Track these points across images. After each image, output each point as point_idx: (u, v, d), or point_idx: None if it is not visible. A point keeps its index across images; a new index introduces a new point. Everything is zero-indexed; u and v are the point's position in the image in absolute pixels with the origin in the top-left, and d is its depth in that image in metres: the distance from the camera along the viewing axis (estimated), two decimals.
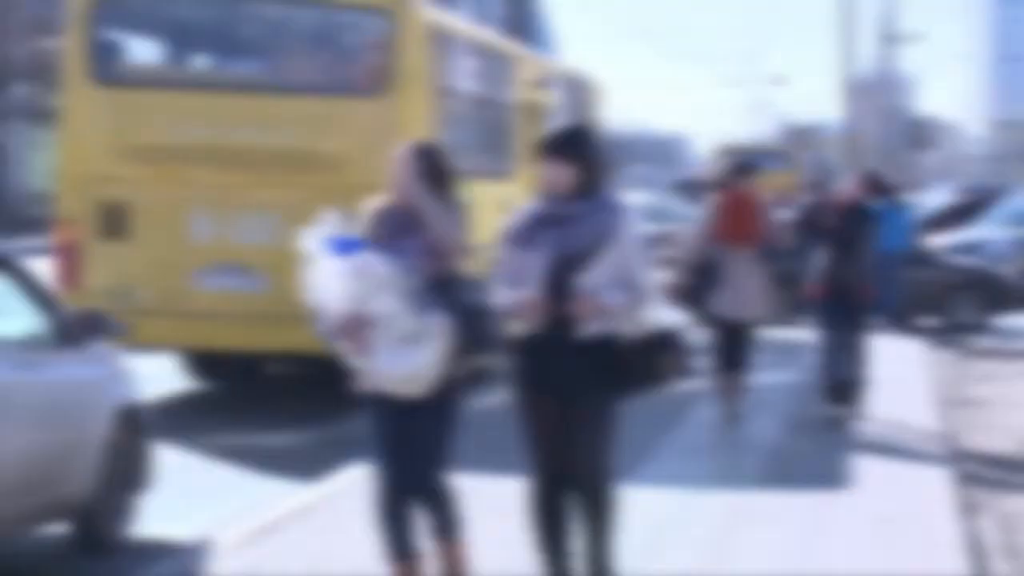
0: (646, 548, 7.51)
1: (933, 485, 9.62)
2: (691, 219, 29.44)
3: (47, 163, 46.57)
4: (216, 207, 12.08)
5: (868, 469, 10.04)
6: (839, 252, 11.68)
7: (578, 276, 6.15)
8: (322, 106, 12.38)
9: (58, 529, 7.76)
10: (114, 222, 12.24)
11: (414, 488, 6.35)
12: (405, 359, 6.18)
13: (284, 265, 8.96)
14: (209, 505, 8.97)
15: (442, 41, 13.24)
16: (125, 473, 7.94)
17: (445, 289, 6.28)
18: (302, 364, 13.30)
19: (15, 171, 45.78)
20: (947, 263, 20.79)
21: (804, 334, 13.64)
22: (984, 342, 18.76)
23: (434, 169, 6.45)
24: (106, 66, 12.64)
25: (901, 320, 19.22)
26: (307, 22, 13.05)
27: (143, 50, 13.68)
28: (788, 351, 15.29)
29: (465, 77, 14.15)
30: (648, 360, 6.24)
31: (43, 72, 40.71)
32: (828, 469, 10.12)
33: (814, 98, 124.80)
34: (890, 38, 60.73)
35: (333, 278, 6.22)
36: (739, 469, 10.09)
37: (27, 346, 7.39)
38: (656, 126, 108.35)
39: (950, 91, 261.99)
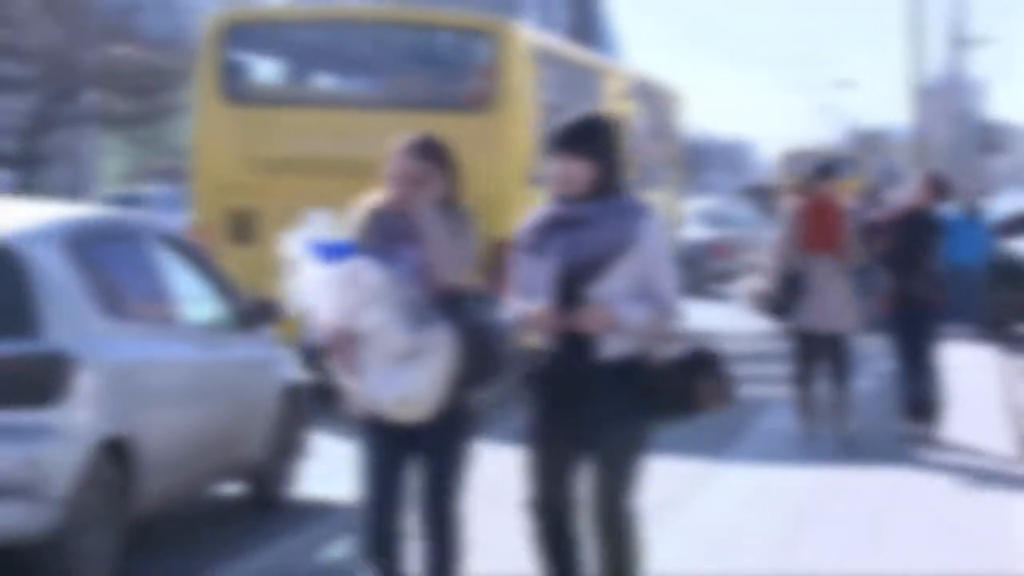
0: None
1: (1010, 492, 9.76)
2: (755, 224, 29.61)
3: (118, 167, 47.82)
4: (334, 213, 13.16)
5: (941, 476, 10.16)
6: (902, 264, 11.22)
7: (590, 287, 5.50)
8: (431, 122, 13.29)
9: (234, 489, 9.00)
10: (242, 227, 13.25)
11: (399, 531, 5.76)
12: (398, 380, 5.51)
13: None
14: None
15: (541, 60, 14.11)
16: (288, 442, 9.15)
17: (449, 303, 5.61)
18: None
19: (87, 176, 46.78)
20: None
21: (876, 342, 13.16)
22: None
23: (441, 167, 5.80)
24: (235, 86, 13.67)
25: (995, 330, 18.74)
26: (417, 44, 13.98)
27: (268, 71, 14.70)
28: (861, 359, 14.97)
29: (560, 93, 14.93)
30: (683, 385, 5.50)
31: (114, 79, 41.62)
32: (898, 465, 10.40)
33: (882, 103, 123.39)
34: (960, 41, 60.66)
35: (320, 286, 5.64)
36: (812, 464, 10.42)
37: (213, 329, 8.61)
38: (720, 131, 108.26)
39: (1021, 95, 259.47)
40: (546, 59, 14.52)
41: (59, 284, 7.06)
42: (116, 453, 7.11)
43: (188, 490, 8.27)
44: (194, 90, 13.98)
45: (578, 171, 5.55)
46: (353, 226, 5.84)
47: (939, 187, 11.60)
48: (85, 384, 6.89)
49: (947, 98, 69.14)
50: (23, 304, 6.89)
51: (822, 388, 11.41)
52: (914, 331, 11.35)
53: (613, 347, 5.52)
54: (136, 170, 43.81)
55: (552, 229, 5.60)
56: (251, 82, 14.15)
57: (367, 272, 5.54)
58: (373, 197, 5.92)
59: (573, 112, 6.01)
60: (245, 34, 14.08)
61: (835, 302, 11.03)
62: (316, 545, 8.07)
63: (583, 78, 16.26)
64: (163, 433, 7.52)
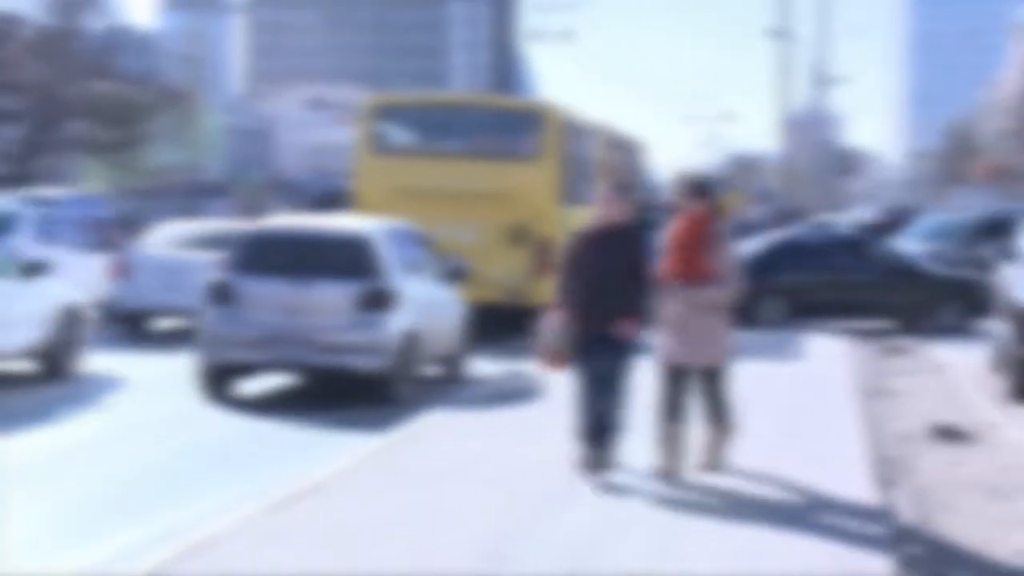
0: None
1: (856, 462, 10.36)
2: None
3: (99, 187, 53.45)
4: (445, 223, 19.42)
5: (796, 448, 10.83)
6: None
7: None
8: (502, 166, 20.18)
9: (432, 371, 15.71)
10: None
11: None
12: None
13: (482, 252, 18.42)
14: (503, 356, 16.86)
15: (566, 128, 20.89)
16: (466, 342, 15.98)
17: None
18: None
19: None
20: (936, 274, 22.60)
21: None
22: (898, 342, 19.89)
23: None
24: (381, 145, 20.48)
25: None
26: (495, 118, 20.92)
27: (400, 135, 21.30)
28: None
29: (577, 147, 21.62)
30: None
31: (96, 111, 46.57)
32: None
33: (757, 132, 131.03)
34: (822, 80, 67.11)
35: None
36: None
37: (439, 281, 15.41)
38: None
39: (873, 126, 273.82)
40: (569, 126, 21.08)
41: (386, 255, 13.80)
42: (410, 335, 13.89)
43: (431, 360, 14.86)
44: (355, 147, 20.73)
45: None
46: None
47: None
48: (397, 302, 13.66)
49: (810, 129, 76.07)
50: (372, 265, 13.63)
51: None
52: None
53: None
54: (115, 189, 49.14)
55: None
56: (389, 142, 20.75)
57: None
58: None
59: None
60: (387, 111, 21.02)
61: (700, 332, 9.61)
62: (481, 395, 14.76)
63: (589, 136, 23.11)
64: (426, 327, 14.29)
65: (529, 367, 14.57)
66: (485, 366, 16.31)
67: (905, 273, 22.37)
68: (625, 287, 9.52)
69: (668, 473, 9.65)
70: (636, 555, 7.65)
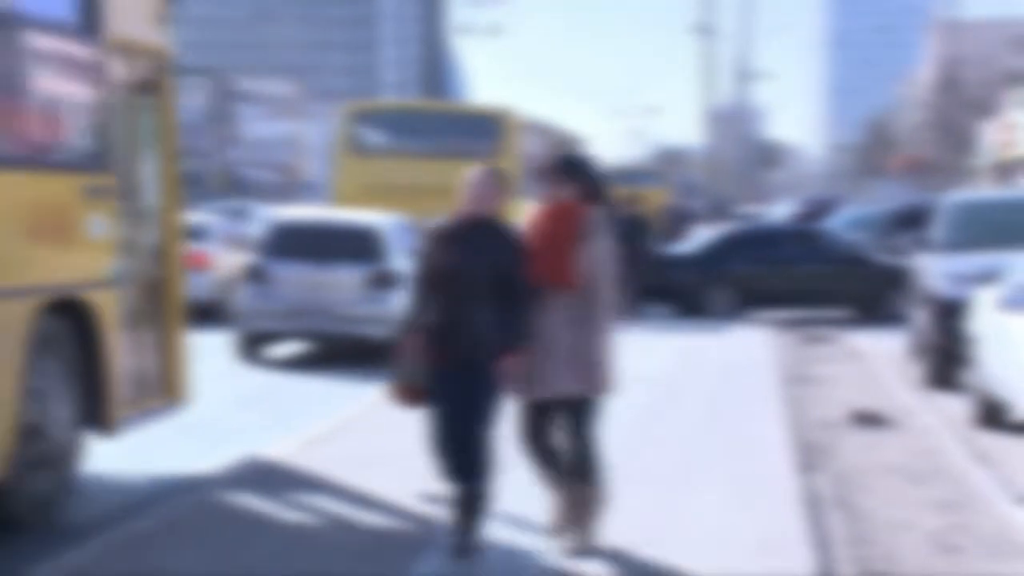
0: None
1: (779, 448, 10.58)
2: None
3: None
4: (415, 216, 21.67)
5: (726, 433, 11.24)
6: None
7: None
8: (465, 164, 22.51)
9: None
10: None
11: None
12: None
13: None
14: None
15: (525, 131, 23.96)
16: None
17: None
18: None
19: None
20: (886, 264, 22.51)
21: None
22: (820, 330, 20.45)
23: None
24: (357, 146, 23.15)
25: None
26: (458, 121, 24.11)
27: (375, 137, 23.86)
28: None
29: (530, 145, 24.29)
30: None
31: None
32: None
33: (682, 126, 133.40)
34: (745, 75, 69.09)
35: None
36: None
37: None
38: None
39: (794, 120, 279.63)
40: (523, 128, 24.06)
41: (391, 243, 16.51)
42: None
43: None
44: (334, 148, 23.29)
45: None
46: None
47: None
48: (399, 282, 16.08)
49: (734, 122, 76.99)
50: (379, 251, 16.34)
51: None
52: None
53: None
54: None
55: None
56: (365, 143, 23.37)
57: None
58: None
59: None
60: (363, 117, 23.87)
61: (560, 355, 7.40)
62: None
63: (536, 136, 26.11)
64: None
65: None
66: None
67: (855, 262, 22.96)
68: (499, 302, 7.23)
69: (566, 533, 7.55)
70: None
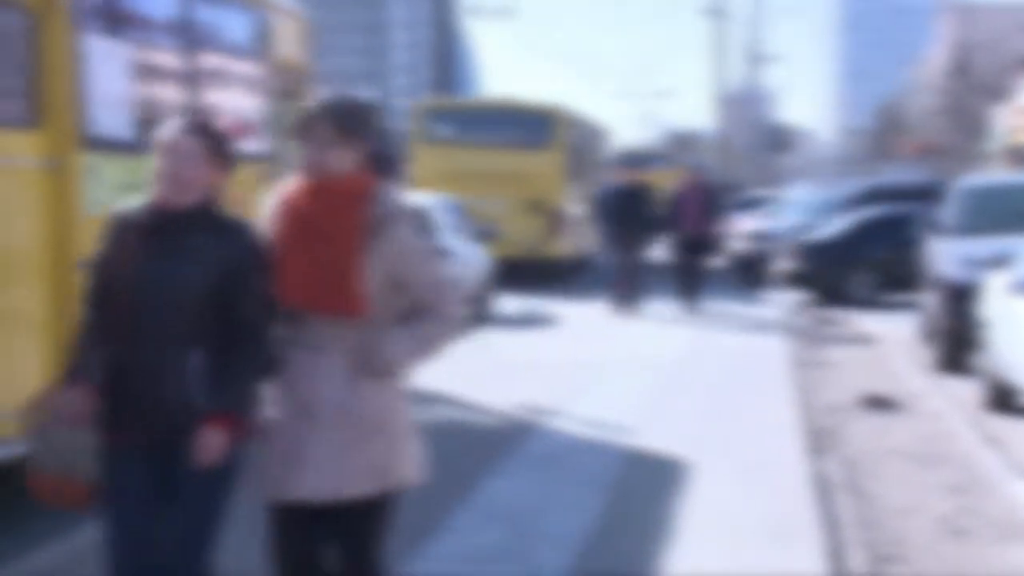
0: None
1: (788, 432, 10.50)
2: None
3: None
4: (480, 197, 24.91)
5: (736, 414, 11.25)
6: None
7: None
8: (522, 153, 26.21)
9: None
10: None
11: None
12: None
13: (507, 219, 24.74)
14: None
15: (571, 125, 27.08)
16: (490, 287, 18.58)
17: None
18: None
19: None
20: None
21: None
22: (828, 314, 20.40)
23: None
24: (430, 137, 26.19)
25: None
26: (517, 117, 26.73)
27: (445, 130, 26.68)
28: None
29: (576, 138, 27.90)
30: None
31: None
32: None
33: (693, 109, 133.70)
34: (756, 59, 69.52)
35: None
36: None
37: (471, 240, 19.24)
38: None
39: (806, 103, 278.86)
40: (571, 123, 27.28)
41: (439, 221, 17.37)
42: (452, 280, 16.71)
43: (465, 300, 17.97)
44: (410, 139, 26.29)
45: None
46: None
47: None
48: (445, 256, 16.31)
49: (745, 106, 78.28)
50: (429, 228, 16.69)
51: None
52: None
53: None
54: None
55: None
56: (437, 134, 26.37)
57: None
58: None
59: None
60: (435, 112, 26.99)
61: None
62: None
63: (582, 129, 29.07)
64: (462, 274, 17.72)
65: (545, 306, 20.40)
66: (510, 303, 21.21)
67: None
68: (214, 340, 4.53)
69: None
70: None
